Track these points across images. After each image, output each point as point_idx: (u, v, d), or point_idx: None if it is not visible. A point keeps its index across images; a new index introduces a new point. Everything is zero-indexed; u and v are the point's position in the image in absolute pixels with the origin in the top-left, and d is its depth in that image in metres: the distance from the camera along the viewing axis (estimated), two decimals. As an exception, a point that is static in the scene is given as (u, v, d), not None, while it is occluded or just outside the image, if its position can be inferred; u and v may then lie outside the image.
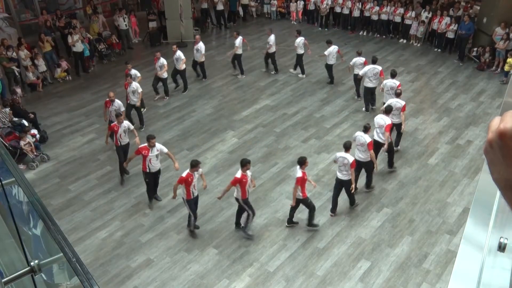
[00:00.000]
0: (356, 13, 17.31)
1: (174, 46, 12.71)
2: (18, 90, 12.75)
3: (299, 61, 13.99)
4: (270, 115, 12.16)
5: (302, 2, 18.61)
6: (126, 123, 9.41)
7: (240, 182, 7.66)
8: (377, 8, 16.72)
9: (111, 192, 9.45)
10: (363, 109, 12.15)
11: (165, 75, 12.42)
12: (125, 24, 16.22)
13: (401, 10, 16.35)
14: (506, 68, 13.31)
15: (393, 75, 10.86)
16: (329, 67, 13.35)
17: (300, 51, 13.74)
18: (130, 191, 9.49)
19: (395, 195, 9.20)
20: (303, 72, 14.20)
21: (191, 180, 7.78)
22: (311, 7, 18.32)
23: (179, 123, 11.94)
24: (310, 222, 8.28)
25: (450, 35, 15.13)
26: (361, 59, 12.14)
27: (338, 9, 17.83)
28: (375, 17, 16.94)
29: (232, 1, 18.50)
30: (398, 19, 16.54)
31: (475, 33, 14.81)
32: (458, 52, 15.05)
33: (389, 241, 8.11)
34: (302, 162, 7.80)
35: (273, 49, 13.94)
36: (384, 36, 17.09)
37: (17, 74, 13.03)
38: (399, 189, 9.36)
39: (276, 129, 11.51)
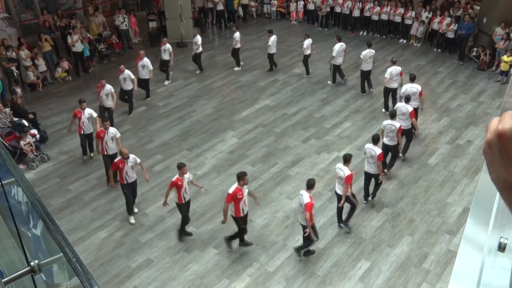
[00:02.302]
0: (356, 13, 17.32)
1: (122, 66, 11.63)
2: (18, 90, 12.75)
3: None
4: (270, 115, 12.16)
5: (302, 2, 18.62)
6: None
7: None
8: (377, 8, 16.72)
9: (111, 192, 9.44)
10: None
11: (108, 103, 11.10)
12: (125, 24, 16.22)
13: (401, 10, 16.35)
14: (503, 67, 13.30)
15: (369, 45, 12.26)
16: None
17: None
18: (130, 191, 9.48)
19: (395, 195, 9.20)
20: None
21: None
22: (310, 7, 18.33)
23: (179, 123, 11.94)
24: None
25: (450, 35, 15.14)
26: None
27: (338, 9, 17.85)
28: (375, 17, 16.94)
29: (229, 0, 18.47)
30: (398, 19, 16.55)
31: (475, 33, 14.80)
32: (458, 52, 15.05)
33: (389, 241, 8.11)
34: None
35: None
36: (384, 36, 17.10)
37: (15, 75, 13.04)
38: (399, 189, 9.36)
39: (276, 129, 11.51)
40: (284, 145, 10.88)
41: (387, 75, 11.41)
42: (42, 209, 2.15)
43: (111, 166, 8.52)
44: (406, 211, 8.78)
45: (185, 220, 8.11)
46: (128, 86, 11.76)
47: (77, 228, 8.54)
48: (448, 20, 15.07)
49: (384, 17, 16.75)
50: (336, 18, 18.24)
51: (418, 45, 16.34)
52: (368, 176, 8.64)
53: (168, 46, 13.55)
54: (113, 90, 11.02)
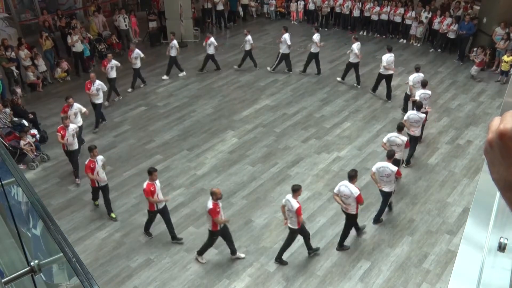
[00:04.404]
0: (356, 13, 17.32)
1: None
2: (18, 90, 12.75)
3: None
4: (270, 115, 12.16)
5: (302, 2, 18.62)
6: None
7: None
8: (377, 8, 16.73)
9: (111, 192, 9.38)
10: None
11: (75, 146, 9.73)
12: (125, 24, 16.23)
13: (401, 10, 16.36)
14: (503, 67, 13.29)
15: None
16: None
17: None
18: (129, 191, 9.49)
19: (395, 195, 9.17)
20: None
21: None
22: (310, 7, 18.34)
23: (179, 123, 11.94)
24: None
25: (451, 35, 15.14)
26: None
27: (338, 9, 17.86)
28: (375, 17, 16.95)
29: (233, 1, 18.53)
30: (398, 19, 16.56)
31: (475, 33, 14.80)
32: (458, 52, 15.05)
33: (389, 241, 8.11)
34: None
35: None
36: (384, 36, 17.09)
37: (15, 75, 13.04)
38: (399, 189, 9.35)
39: (276, 129, 11.51)
40: (284, 145, 10.88)
41: (353, 48, 12.63)
42: (42, 209, 2.15)
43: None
44: (406, 211, 8.78)
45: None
46: (79, 122, 10.25)
47: (77, 228, 8.54)
48: (448, 20, 15.07)
49: (384, 17, 16.75)
50: (336, 18, 18.25)
51: (418, 45, 16.34)
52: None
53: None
54: (77, 129, 9.72)
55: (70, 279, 2.71)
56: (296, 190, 7.11)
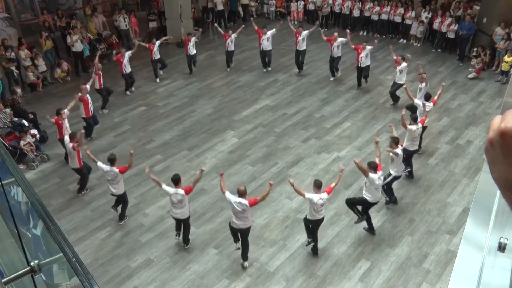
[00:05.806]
0: (356, 13, 17.32)
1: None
2: (18, 90, 12.76)
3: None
4: (270, 115, 12.16)
5: (302, 2, 18.62)
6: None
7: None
8: (377, 8, 16.72)
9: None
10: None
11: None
12: (125, 24, 16.23)
13: (401, 10, 16.36)
14: (504, 67, 13.28)
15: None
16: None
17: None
18: (130, 191, 9.46)
19: (397, 192, 9.17)
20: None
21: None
22: (310, 7, 18.34)
23: (179, 123, 11.94)
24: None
25: (451, 35, 15.14)
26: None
27: (338, 9, 17.86)
28: (375, 17, 16.95)
29: (233, 1, 18.55)
30: (398, 19, 16.55)
31: (475, 33, 14.79)
32: (458, 52, 15.04)
33: (389, 241, 8.11)
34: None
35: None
36: (384, 36, 17.08)
37: (15, 75, 13.05)
38: (399, 189, 9.34)
39: (276, 129, 11.51)
40: (284, 145, 10.87)
41: (337, 43, 13.23)
42: (42, 209, 2.15)
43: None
44: (406, 211, 8.78)
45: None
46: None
47: (77, 228, 8.54)
48: (448, 20, 15.06)
49: (384, 17, 16.74)
50: (336, 18, 18.25)
51: (418, 45, 16.33)
52: None
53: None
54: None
55: (70, 279, 2.71)
56: (320, 186, 7.37)
